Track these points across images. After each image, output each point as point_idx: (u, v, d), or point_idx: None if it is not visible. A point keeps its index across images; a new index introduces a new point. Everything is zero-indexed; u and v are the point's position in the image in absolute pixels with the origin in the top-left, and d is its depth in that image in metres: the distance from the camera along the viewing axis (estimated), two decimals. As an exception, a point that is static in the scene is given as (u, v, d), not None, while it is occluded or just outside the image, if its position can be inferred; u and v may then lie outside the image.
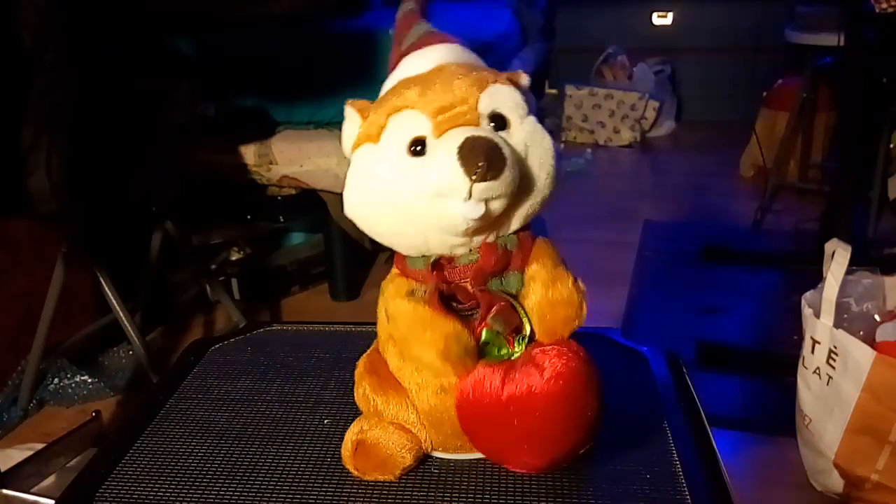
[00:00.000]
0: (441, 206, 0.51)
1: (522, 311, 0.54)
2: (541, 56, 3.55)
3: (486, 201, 0.50)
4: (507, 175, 0.49)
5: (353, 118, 0.57)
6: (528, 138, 0.53)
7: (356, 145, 0.56)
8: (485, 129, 0.52)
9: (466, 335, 0.52)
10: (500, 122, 0.53)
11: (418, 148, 0.52)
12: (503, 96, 0.54)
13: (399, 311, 0.54)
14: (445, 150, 0.50)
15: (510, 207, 0.53)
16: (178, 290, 1.98)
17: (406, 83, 0.55)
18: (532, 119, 0.54)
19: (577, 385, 0.51)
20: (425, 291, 0.54)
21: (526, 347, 0.53)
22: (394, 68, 0.59)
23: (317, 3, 1.84)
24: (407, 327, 0.53)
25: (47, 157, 1.24)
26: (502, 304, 0.54)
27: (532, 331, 0.53)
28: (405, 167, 0.52)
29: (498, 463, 0.56)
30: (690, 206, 2.73)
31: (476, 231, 0.53)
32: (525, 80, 0.57)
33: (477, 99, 0.53)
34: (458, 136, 0.50)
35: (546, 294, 0.53)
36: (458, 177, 0.49)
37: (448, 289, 0.55)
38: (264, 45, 1.88)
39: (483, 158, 0.48)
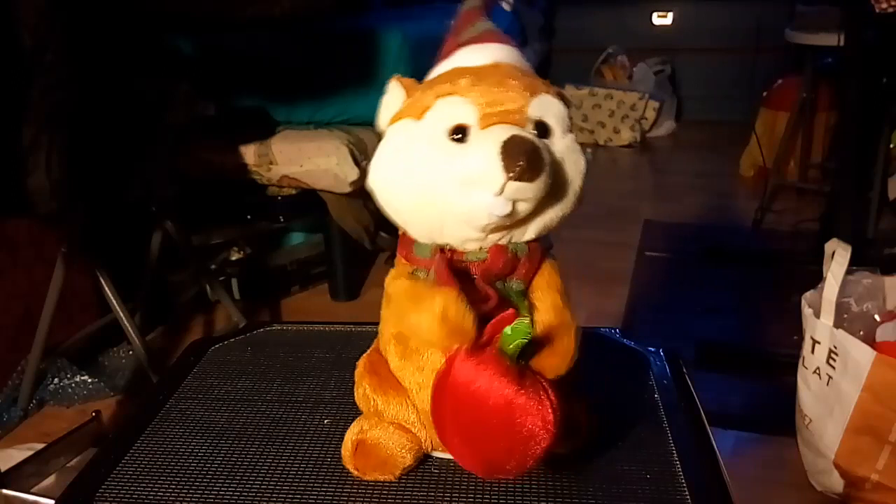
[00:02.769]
0: (469, 196, 0.51)
1: (530, 322, 0.53)
2: (541, 56, 3.55)
3: (515, 201, 0.50)
4: (543, 180, 0.50)
5: (396, 92, 0.56)
6: (565, 153, 0.54)
7: (395, 118, 0.56)
8: (529, 132, 0.52)
9: (466, 305, 0.51)
10: (543, 130, 0.53)
11: (459, 136, 0.52)
12: (551, 107, 0.54)
13: (398, 289, 0.55)
14: (489, 141, 0.50)
15: (532, 214, 0.53)
16: (178, 290, 1.98)
17: (460, 72, 0.55)
18: (572, 136, 0.55)
19: (556, 435, 0.49)
20: (428, 274, 0.54)
21: (521, 359, 0.51)
22: (446, 57, 0.59)
23: (317, 3, 1.84)
24: (405, 300, 0.53)
25: (47, 157, 1.24)
26: (512, 311, 0.53)
27: (532, 348, 0.53)
28: (442, 150, 0.52)
29: (441, 439, 0.53)
30: (690, 206, 2.73)
31: (494, 229, 0.53)
32: (569, 98, 0.57)
33: (527, 102, 0.53)
34: (505, 131, 0.50)
35: (545, 336, 0.53)
36: (496, 169, 0.49)
37: (457, 268, 0.54)
38: (264, 45, 1.88)
39: (524, 158, 0.48)
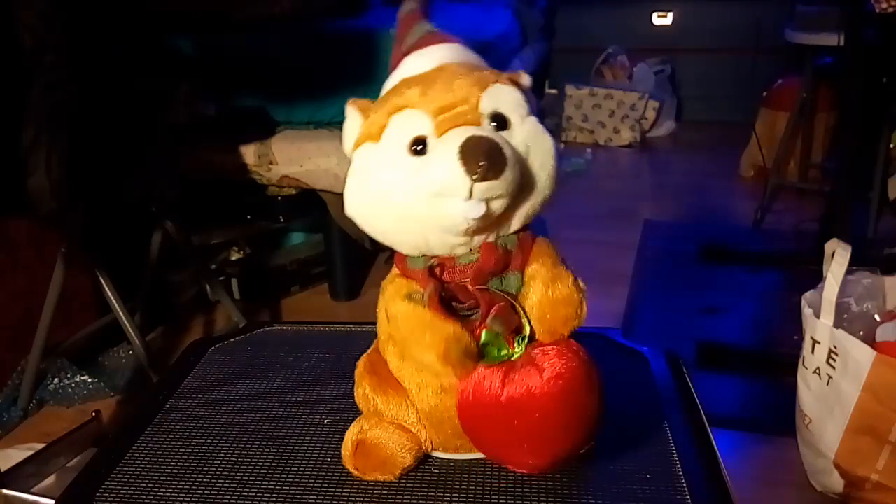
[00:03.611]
0: (442, 206, 0.51)
1: (522, 312, 0.54)
2: (541, 56, 3.55)
3: (487, 201, 0.50)
4: (508, 175, 0.49)
5: (354, 117, 0.56)
6: (528, 138, 0.53)
7: (357, 144, 0.56)
8: (486, 129, 0.52)
9: (466, 337, 0.52)
10: (501, 121, 0.53)
11: (419, 147, 0.52)
12: (504, 96, 0.54)
13: (399, 313, 0.54)
14: (446, 149, 0.50)
15: (511, 207, 0.53)
16: (178, 290, 1.98)
17: (407, 82, 0.55)
18: (533, 119, 0.54)
19: (577, 385, 0.51)
20: (423, 295, 0.54)
21: (526, 348, 0.53)
22: (395, 68, 0.59)
23: (317, 3, 1.84)
24: (407, 329, 0.53)
25: (47, 157, 1.24)
26: (502, 304, 0.53)
27: (532, 331, 0.53)
28: (406, 166, 0.52)
29: (499, 464, 0.56)
30: (690, 206, 2.72)
31: (477, 231, 0.53)
32: (526, 80, 0.57)
33: (478, 99, 0.53)
34: (460, 135, 0.50)
35: (546, 293, 0.53)
36: (458, 176, 0.49)
37: (448, 289, 0.55)
38: (264, 45, 1.88)
39: (484, 158, 0.48)
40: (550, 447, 0.52)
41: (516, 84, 0.55)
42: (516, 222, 0.55)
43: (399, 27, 0.60)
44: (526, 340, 0.53)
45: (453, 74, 0.54)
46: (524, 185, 0.52)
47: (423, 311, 0.53)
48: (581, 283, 0.54)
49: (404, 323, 0.54)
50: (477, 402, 0.51)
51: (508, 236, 0.55)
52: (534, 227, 0.57)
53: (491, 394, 0.50)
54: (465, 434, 0.54)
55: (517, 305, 0.54)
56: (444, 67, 0.55)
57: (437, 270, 0.55)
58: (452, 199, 0.50)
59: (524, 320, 0.53)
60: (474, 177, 0.48)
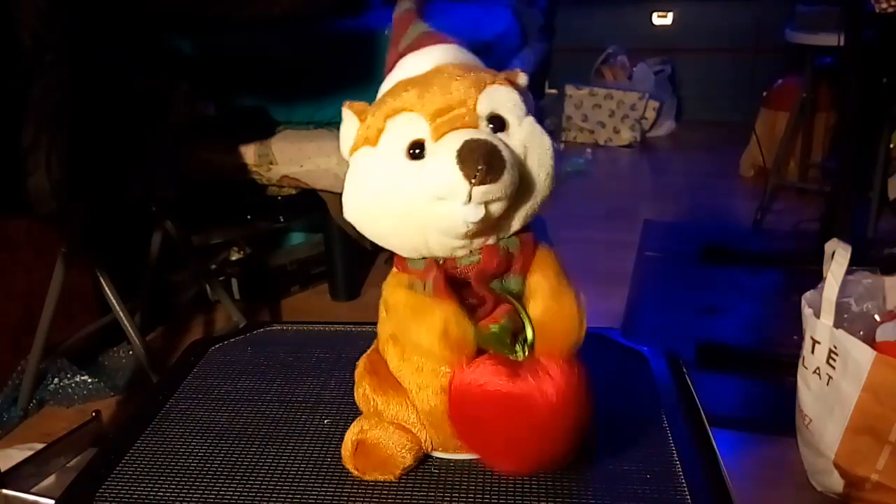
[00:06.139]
0: (441, 209, 0.51)
1: (526, 316, 0.53)
2: (541, 56, 3.55)
3: (486, 204, 0.50)
4: (507, 177, 0.49)
5: (350, 120, 0.57)
6: (527, 139, 0.53)
7: (354, 148, 0.56)
8: (484, 132, 0.51)
9: (466, 320, 0.51)
10: (498, 123, 0.53)
11: (417, 151, 0.52)
12: (501, 97, 0.54)
13: (398, 301, 0.55)
14: (444, 153, 0.49)
15: (510, 209, 0.52)
16: (178, 290, 1.98)
17: (404, 85, 0.55)
18: (531, 119, 0.54)
19: (577, 402, 0.50)
20: (425, 286, 0.54)
21: (526, 353, 0.53)
22: (391, 69, 0.59)
23: (317, 3, 1.84)
24: (406, 314, 0.53)
25: (47, 157, 1.24)
26: (507, 306, 0.53)
27: (534, 337, 0.53)
28: (404, 170, 0.52)
29: (479, 456, 0.55)
30: (690, 206, 2.72)
31: (476, 233, 0.53)
32: (523, 79, 0.56)
33: (475, 100, 0.52)
34: (457, 138, 0.49)
35: (547, 310, 0.53)
36: (457, 180, 0.49)
37: (453, 277, 0.54)
38: (264, 45, 1.88)
39: (482, 161, 0.48)
40: (539, 453, 0.52)
41: (513, 84, 0.55)
42: (516, 223, 0.54)
43: (395, 28, 0.60)
44: (528, 345, 0.53)
45: (450, 76, 0.54)
46: (523, 186, 0.52)
47: (423, 297, 0.52)
48: (582, 299, 0.54)
49: (403, 308, 0.54)
50: (479, 389, 0.50)
51: (510, 238, 0.55)
52: (535, 228, 0.57)
53: (497, 384, 0.49)
54: (450, 420, 0.53)
55: (521, 309, 0.54)
56: (440, 69, 0.55)
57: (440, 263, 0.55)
58: (451, 203, 0.50)
59: (528, 325, 0.53)
60: (473, 180, 0.48)
